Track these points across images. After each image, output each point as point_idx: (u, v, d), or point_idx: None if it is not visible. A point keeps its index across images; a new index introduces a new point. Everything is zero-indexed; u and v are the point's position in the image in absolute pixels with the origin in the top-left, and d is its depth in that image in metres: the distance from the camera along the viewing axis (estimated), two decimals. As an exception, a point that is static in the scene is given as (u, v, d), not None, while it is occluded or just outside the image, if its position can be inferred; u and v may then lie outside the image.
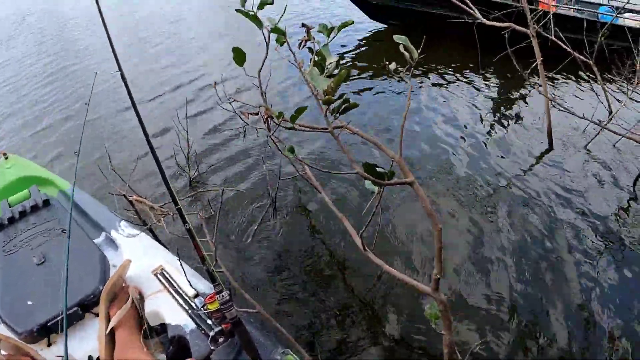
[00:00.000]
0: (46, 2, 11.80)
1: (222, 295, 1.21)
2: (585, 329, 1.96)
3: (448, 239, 2.40)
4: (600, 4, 5.35)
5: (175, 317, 1.42)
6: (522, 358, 1.86)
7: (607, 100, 3.44)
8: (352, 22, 1.33)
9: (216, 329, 1.32)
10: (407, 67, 1.23)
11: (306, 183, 2.68)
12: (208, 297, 1.30)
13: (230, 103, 1.65)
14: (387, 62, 1.37)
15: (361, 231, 1.52)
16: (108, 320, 1.37)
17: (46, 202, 1.71)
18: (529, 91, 4.24)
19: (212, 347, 1.26)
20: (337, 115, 1.25)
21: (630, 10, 5.10)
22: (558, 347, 1.89)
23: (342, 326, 1.98)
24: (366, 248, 1.57)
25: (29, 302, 1.43)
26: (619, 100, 3.66)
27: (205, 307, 1.32)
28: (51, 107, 4.71)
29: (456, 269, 2.26)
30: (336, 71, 1.25)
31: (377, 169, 1.22)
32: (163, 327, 1.43)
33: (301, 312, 2.05)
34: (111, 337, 1.38)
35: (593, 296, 2.10)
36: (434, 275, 1.44)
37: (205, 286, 1.50)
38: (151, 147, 1.36)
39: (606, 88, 3.49)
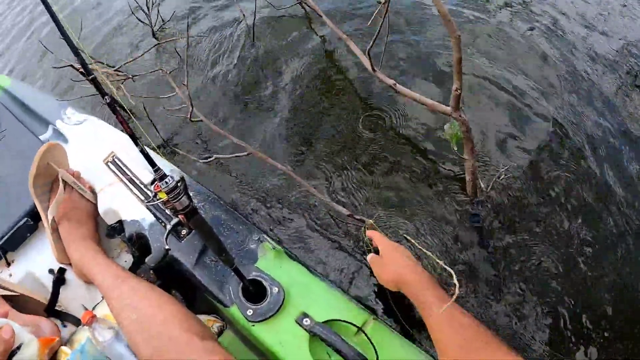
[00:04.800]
0: None
1: (166, 182, 0.88)
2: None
3: (468, 55, 1.95)
4: None
5: (132, 211, 1.15)
6: (554, 188, 1.53)
7: None
8: None
9: (173, 222, 1.04)
10: None
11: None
12: (155, 184, 1.00)
13: None
14: None
15: (368, 48, 1.29)
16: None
17: (-17, 104, 1.44)
18: None
19: (166, 247, 0.99)
20: None
21: None
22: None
23: (346, 163, 1.68)
24: (375, 68, 1.26)
25: None
26: None
27: (157, 196, 1.03)
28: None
29: (476, 87, 1.83)
30: None
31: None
32: (122, 224, 1.18)
33: (296, 153, 1.76)
34: (58, 235, 1.16)
35: None
36: (454, 90, 1.18)
37: (167, 167, 1.21)
38: None
39: None
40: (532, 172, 1.57)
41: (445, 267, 1.23)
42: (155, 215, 1.12)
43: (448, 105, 1.27)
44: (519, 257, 1.39)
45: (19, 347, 1.05)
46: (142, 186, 1.16)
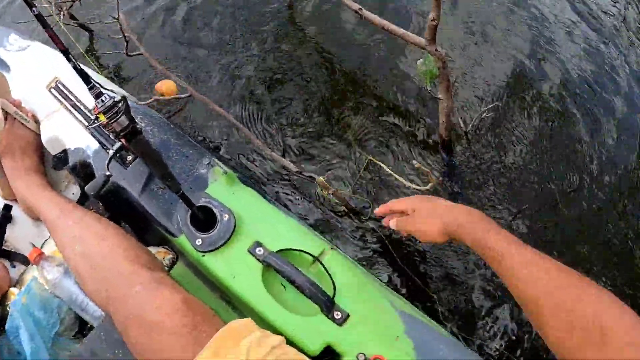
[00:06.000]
0: None
1: (102, 100, 0.79)
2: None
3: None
4: None
5: (77, 139, 1.07)
6: (539, 133, 1.45)
7: None
8: None
9: (115, 146, 0.96)
10: None
11: None
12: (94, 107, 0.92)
13: None
14: None
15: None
16: None
17: None
18: None
19: (107, 173, 0.91)
20: None
21: None
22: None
23: (302, 105, 1.57)
24: None
25: None
26: None
27: (97, 119, 0.95)
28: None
29: (457, 18, 1.70)
30: None
31: None
32: (67, 154, 1.10)
33: (250, 87, 1.63)
34: (1, 170, 1.09)
35: None
36: (430, 20, 1.05)
37: (109, 87, 1.13)
38: None
39: None
40: (516, 114, 1.48)
41: (421, 166, 1.17)
42: (99, 142, 1.04)
43: (422, 37, 1.17)
44: (494, 204, 1.33)
45: None
46: (86, 111, 1.08)
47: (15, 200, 1.12)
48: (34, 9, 0.78)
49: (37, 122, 1.12)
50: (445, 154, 1.37)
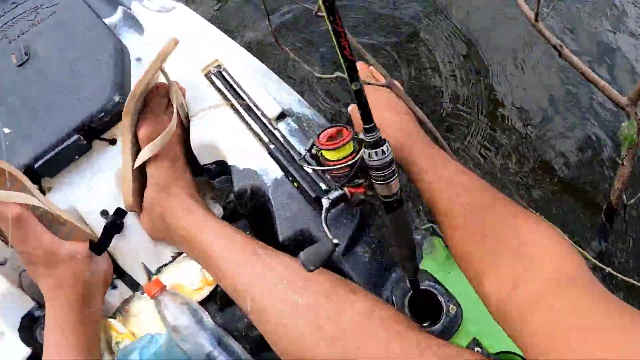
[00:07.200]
0: None
1: (383, 152, 0.52)
2: None
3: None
4: None
5: (247, 154, 0.82)
6: None
7: None
8: None
9: (333, 195, 0.71)
10: None
11: None
12: (324, 133, 0.67)
13: None
14: None
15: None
16: (136, 147, 0.79)
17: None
18: None
19: (335, 241, 0.60)
20: None
21: None
22: None
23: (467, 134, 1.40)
24: (538, 18, 1.02)
25: (5, 130, 0.83)
26: None
27: (315, 149, 0.70)
28: None
29: None
30: None
31: None
32: (222, 167, 0.85)
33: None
34: (140, 172, 0.82)
35: None
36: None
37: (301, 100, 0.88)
38: None
39: None
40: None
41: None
42: (285, 170, 0.80)
43: (624, 96, 1.04)
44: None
45: None
46: (264, 119, 0.82)
47: (137, 212, 0.86)
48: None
49: (187, 117, 0.85)
50: (606, 221, 1.27)
